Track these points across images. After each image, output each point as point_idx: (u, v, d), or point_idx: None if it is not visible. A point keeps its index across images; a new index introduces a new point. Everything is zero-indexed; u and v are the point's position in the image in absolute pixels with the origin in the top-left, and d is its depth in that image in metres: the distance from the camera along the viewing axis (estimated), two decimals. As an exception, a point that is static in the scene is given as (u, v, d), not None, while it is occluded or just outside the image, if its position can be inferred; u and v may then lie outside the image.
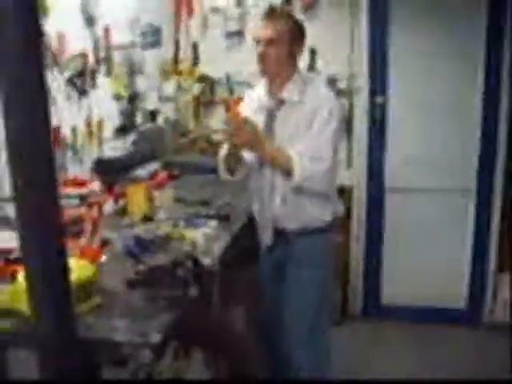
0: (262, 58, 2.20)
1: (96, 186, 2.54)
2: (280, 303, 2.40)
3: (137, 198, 2.57)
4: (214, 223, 2.38)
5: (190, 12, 3.70)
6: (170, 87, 3.72)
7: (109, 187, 2.65)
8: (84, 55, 2.73)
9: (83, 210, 2.12)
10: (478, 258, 3.70)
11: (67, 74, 2.62)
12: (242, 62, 3.65)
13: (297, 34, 2.23)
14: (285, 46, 2.19)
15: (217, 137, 3.71)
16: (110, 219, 2.41)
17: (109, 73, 3.06)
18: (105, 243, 2.06)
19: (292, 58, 2.24)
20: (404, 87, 3.60)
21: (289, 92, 2.23)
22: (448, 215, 3.72)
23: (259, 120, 2.24)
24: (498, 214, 3.59)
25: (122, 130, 3.19)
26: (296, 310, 2.36)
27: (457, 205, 3.70)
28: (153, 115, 3.53)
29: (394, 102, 3.62)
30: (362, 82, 3.59)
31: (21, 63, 1.11)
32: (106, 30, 3.00)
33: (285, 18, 2.22)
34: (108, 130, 3.04)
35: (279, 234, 2.37)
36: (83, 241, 1.92)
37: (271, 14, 2.23)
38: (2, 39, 1.06)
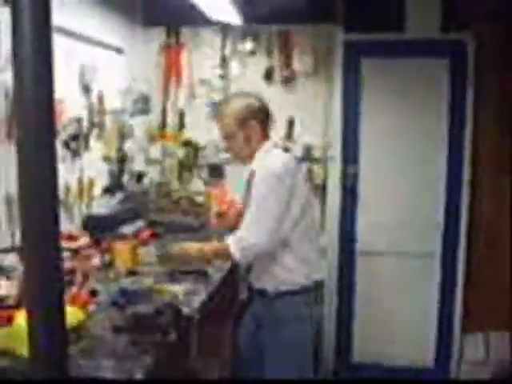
0: (228, 151, 2.51)
1: (85, 240, 2.72)
2: (259, 361, 2.43)
3: (122, 254, 2.75)
4: (193, 279, 2.56)
5: (178, 83, 3.96)
6: (156, 151, 3.96)
7: (96, 242, 2.83)
8: (79, 120, 2.96)
9: (74, 262, 2.30)
10: (443, 319, 3.90)
11: (63, 137, 2.85)
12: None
13: (246, 119, 2.37)
14: (238, 136, 2.38)
15: (200, 198, 3.94)
16: (97, 272, 2.58)
17: (100, 136, 3.29)
18: (93, 293, 2.23)
19: (251, 139, 2.39)
20: (374, 158, 3.89)
21: (254, 162, 2.39)
22: (415, 277, 3.93)
23: None
24: (461, 277, 3.81)
25: (110, 190, 3.39)
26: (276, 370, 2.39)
27: (423, 267, 3.91)
28: (139, 176, 3.74)
29: (365, 171, 3.89)
30: (336, 152, 3.86)
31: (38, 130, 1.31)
32: (100, 97, 3.25)
33: (228, 111, 2.40)
34: (97, 189, 3.24)
35: (259, 293, 2.45)
36: (74, 290, 2.10)
37: (218, 112, 2.50)
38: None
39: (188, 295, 2.32)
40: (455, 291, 3.85)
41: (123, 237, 2.97)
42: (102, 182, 3.33)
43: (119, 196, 3.48)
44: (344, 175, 3.90)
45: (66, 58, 2.85)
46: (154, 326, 1.84)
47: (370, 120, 3.88)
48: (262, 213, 2.23)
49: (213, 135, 3.89)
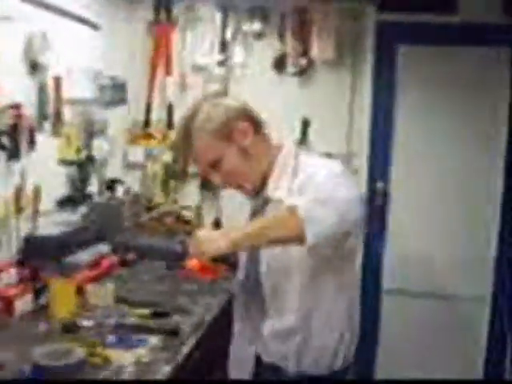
0: (225, 183, 1.73)
1: (10, 275, 1.99)
2: None
3: (63, 297, 1.99)
4: (155, 340, 1.78)
5: (168, 70, 3.32)
6: (137, 153, 3.30)
7: (33, 275, 2.09)
8: (17, 107, 2.21)
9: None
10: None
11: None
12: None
13: (229, 127, 1.65)
14: (229, 153, 1.65)
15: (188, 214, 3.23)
16: (22, 323, 1.87)
17: (56, 132, 2.56)
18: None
19: (246, 149, 1.67)
20: (409, 173, 3.31)
21: (272, 190, 1.70)
22: (456, 324, 3.29)
23: None
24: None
25: (67, 203, 2.66)
26: None
27: (467, 313, 3.28)
28: (112, 185, 3.02)
29: (396, 190, 3.30)
30: (361, 163, 3.27)
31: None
32: (57, 81, 2.52)
33: (200, 129, 1.65)
34: (47, 202, 2.50)
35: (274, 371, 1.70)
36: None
37: (186, 139, 1.68)
38: None
39: (140, 372, 1.55)
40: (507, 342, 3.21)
41: (76, 268, 2.25)
42: (55, 192, 2.62)
43: (81, 210, 2.75)
44: (370, 193, 3.26)
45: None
46: None
47: (405, 124, 3.30)
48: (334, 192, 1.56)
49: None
